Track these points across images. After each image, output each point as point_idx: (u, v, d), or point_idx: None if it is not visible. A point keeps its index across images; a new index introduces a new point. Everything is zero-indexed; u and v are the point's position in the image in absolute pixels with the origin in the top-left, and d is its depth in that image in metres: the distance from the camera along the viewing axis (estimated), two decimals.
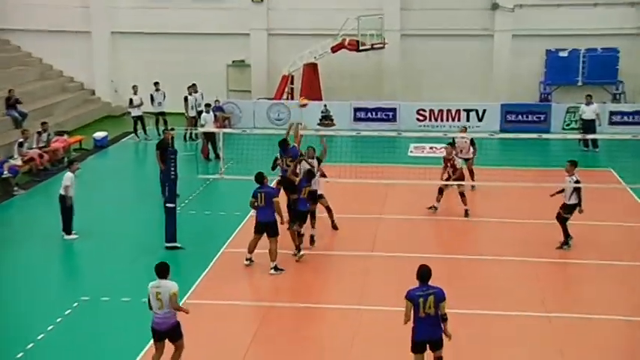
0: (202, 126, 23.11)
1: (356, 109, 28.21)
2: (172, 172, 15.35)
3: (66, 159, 21.72)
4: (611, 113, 26.84)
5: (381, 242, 15.80)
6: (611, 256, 14.97)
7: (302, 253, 14.67)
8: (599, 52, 28.88)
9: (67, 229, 16.13)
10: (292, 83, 29.69)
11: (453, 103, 27.93)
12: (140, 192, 20.08)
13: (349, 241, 15.80)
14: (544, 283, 13.56)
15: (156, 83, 27.15)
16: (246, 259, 14.39)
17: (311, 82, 29.21)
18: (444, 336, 9.60)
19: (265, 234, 14.10)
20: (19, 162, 21.13)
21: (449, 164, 17.55)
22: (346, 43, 28.18)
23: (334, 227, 16.27)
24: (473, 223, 17.01)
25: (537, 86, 29.70)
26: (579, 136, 23.01)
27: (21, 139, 21.72)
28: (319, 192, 15.75)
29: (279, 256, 14.17)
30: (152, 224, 16.75)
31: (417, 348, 9.63)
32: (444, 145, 18.33)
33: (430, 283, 9.61)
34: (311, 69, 29.20)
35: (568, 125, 26.88)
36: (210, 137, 22.92)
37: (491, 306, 12.55)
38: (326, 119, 28.15)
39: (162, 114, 26.93)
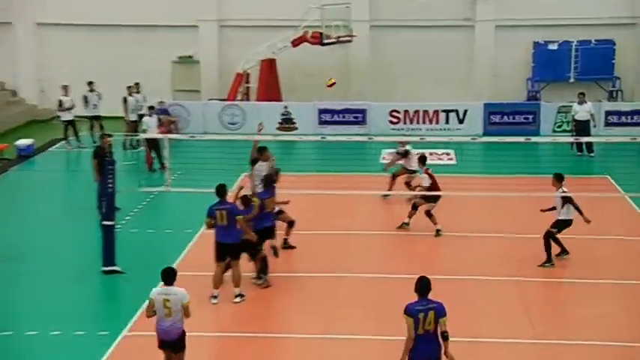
0: (145, 131, 23.02)
1: (320, 111, 28.33)
2: (110, 185, 15.25)
3: None
4: (607, 113, 27.36)
5: (350, 261, 15.87)
6: (608, 273, 15.25)
7: (265, 280, 14.63)
8: (593, 44, 29.44)
9: None
10: (248, 82, 29.71)
11: (430, 103, 28.21)
12: (73, 208, 19.90)
13: (313, 260, 15.85)
14: (533, 305, 13.75)
15: (90, 83, 26.97)
16: (213, 297, 14.02)
17: (269, 81, 29.29)
18: (443, 357, 9.70)
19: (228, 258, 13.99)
20: None
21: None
22: (309, 35, 28.32)
23: (287, 246, 16.24)
24: (452, 239, 17.18)
25: (524, 83, 30.15)
26: (572, 140, 23.41)
27: None
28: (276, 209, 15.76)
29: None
30: (87, 245, 16.62)
31: None
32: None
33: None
34: (269, 65, 29.26)
35: (559, 127, 27.33)
36: (153, 144, 22.83)
37: (476, 332, 12.68)
38: (286, 122, 28.21)
39: (98, 118, 26.75)
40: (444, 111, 27.97)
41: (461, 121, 27.89)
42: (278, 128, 27.98)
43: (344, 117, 28.07)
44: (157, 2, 30.78)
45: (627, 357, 12.21)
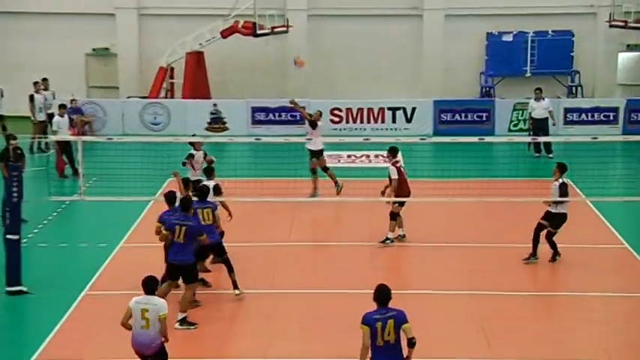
0: (55, 133, 22.66)
1: (254, 110, 28.28)
2: (15, 194, 14.97)
3: None
4: (567, 110, 27.93)
5: (287, 276, 15.83)
6: (569, 285, 15.50)
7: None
8: (551, 35, 30.01)
9: None
10: (172, 77, 29.53)
11: (374, 101, 28.40)
12: None
13: (247, 275, 15.74)
14: (489, 320, 13.87)
15: None
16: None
17: (196, 76, 29.14)
18: None
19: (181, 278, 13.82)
20: None
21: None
22: (240, 26, 28.24)
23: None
24: (402, 249, 17.26)
25: (477, 78, 30.57)
26: (529, 139, 23.75)
27: None
28: None
29: None
30: None
31: None
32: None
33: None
34: (196, 59, 29.11)
35: (515, 126, 27.77)
36: (65, 148, 22.50)
37: (427, 351, 12.72)
38: (216, 122, 28.09)
39: (0, 118, 26.24)
40: (390, 109, 28.18)
41: (409, 120, 28.13)
42: (207, 128, 27.86)
43: (279, 116, 28.05)
44: None
45: None
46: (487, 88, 30.10)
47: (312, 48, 30.63)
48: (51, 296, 14.90)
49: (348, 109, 28.21)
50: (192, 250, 13.65)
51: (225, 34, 28.47)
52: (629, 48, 30.88)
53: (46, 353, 12.82)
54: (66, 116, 23.71)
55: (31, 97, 25.69)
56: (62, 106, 24.11)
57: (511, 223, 18.65)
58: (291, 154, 22.07)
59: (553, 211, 16.07)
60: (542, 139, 23.03)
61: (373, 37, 30.61)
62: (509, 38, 29.99)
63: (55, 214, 19.59)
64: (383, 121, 28.09)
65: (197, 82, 29.14)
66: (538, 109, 25.13)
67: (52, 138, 22.59)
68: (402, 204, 17.21)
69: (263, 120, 28.20)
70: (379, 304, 9.88)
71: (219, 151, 20.65)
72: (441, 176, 20.58)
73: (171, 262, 13.70)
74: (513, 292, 15.14)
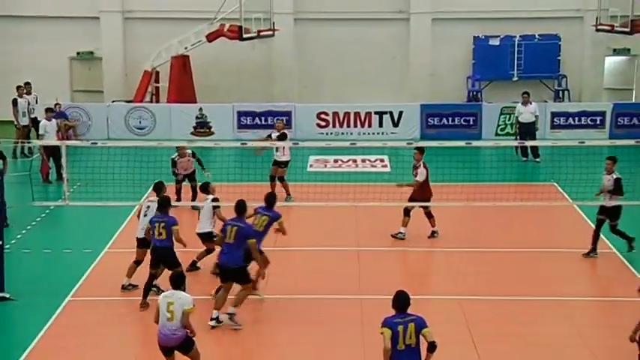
0: (42, 137, 22.57)
1: (240, 114, 28.24)
2: None
3: None
4: (553, 115, 28.01)
5: (278, 281, 15.79)
6: (558, 289, 15.53)
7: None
8: (537, 39, 30.10)
9: None
10: (157, 81, 29.45)
11: (361, 105, 28.41)
12: None
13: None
14: (477, 326, 13.90)
15: None
16: (212, 319, 13.72)
17: (181, 80, 29.07)
18: None
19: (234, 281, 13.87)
20: None
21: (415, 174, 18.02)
22: (225, 29, 28.21)
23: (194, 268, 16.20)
24: (387, 253, 17.27)
25: (464, 82, 30.63)
26: (516, 143, 23.83)
27: None
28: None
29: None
30: None
31: None
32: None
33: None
34: (181, 63, 29.05)
35: (502, 130, 27.84)
36: (54, 152, 22.28)
37: None
38: (202, 127, 28.04)
39: None
40: (377, 113, 28.19)
41: (396, 124, 28.15)
42: (192, 133, 27.82)
43: (266, 120, 28.00)
44: None
45: None
46: (474, 92, 30.17)
47: (299, 52, 30.64)
48: (35, 302, 14.82)
49: (335, 114, 28.20)
50: (242, 253, 13.71)
51: (211, 37, 28.43)
52: (616, 52, 31.02)
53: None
54: (54, 120, 23.55)
55: (14, 102, 25.53)
56: (50, 110, 23.94)
57: (498, 228, 18.71)
58: None
59: (607, 205, 16.48)
60: (529, 143, 23.10)
61: (360, 40, 30.62)
62: (496, 42, 30.06)
63: (38, 219, 19.48)
64: (370, 126, 28.11)
65: (182, 86, 29.08)
66: (525, 113, 25.19)
67: (35, 142, 22.46)
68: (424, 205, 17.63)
69: (249, 124, 28.15)
70: (398, 309, 10.08)
71: (204, 155, 20.61)
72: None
73: (220, 265, 13.92)
74: (502, 297, 15.17)
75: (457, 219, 18.81)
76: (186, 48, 28.90)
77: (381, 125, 28.09)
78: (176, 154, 19.57)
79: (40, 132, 23.10)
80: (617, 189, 16.42)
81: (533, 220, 18.99)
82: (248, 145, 21.39)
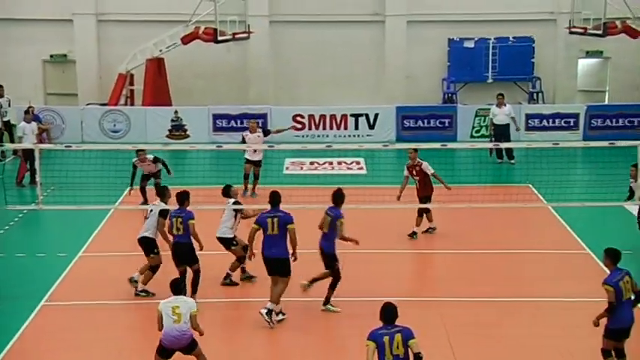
0: (21, 139, 22.40)
1: (215, 117, 28.19)
2: None
3: None
4: (528, 116, 28.17)
5: (261, 284, 15.75)
6: (534, 291, 15.60)
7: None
8: (511, 42, 30.26)
9: None
10: (132, 84, 29.33)
11: (337, 107, 28.46)
12: None
13: (211, 286, 15.66)
14: (454, 328, 13.92)
15: None
16: (279, 313, 14.02)
17: (156, 83, 28.97)
18: None
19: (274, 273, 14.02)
20: None
21: (414, 173, 18.00)
22: (200, 32, 28.13)
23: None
24: (364, 256, 17.19)
25: (439, 84, 30.72)
26: (491, 145, 23.94)
27: None
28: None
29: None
30: None
31: None
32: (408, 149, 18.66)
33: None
34: (156, 65, 28.95)
35: (477, 132, 27.96)
36: (30, 155, 22.10)
37: None
38: (177, 130, 27.96)
39: None
40: (352, 115, 28.23)
41: (371, 127, 28.20)
42: (167, 136, 27.73)
43: (241, 123, 27.90)
44: None
45: None
46: (449, 94, 30.28)
47: (274, 54, 30.60)
48: (8, 307, 14.74)
49: (311, 116, 28.21)
50: (286, 243, 13.87)
51: (186, 40, 28.34)
52: (589, 54, 31.24)
53: None
54: (33, 122, 23.38)
55: None
56: (28, 112, 23.85)
57: (474, 230, 18.75)
58: None
59: None
60: (504, 145, 23.21)
61: (335, 43, 30.64)
62: (470, 44, 30.19)
63: (12, 223, 19.37)
64: (346, 128, 28.14)
65: (157, 89, 28.97)
66: (500, 115, 25.31)
67: (8, 146, 22.26)
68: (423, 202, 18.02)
69: (224, 127, 28.10)
70: (385, 321, 10.10)
71: (180, 158, 20.54)
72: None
73: (266, 257, 13.93)
74: (478, 299, 15.21)
75: (434, 221, 18.82)
76: (161, 51, 28.80)
77: (357, 127, 28.13)
78: (136, 158, 19.50)
79: (19, 134, 22.96)
80: None
81: (509, 222, 19.08)
82: (224, 148, 21.26)
